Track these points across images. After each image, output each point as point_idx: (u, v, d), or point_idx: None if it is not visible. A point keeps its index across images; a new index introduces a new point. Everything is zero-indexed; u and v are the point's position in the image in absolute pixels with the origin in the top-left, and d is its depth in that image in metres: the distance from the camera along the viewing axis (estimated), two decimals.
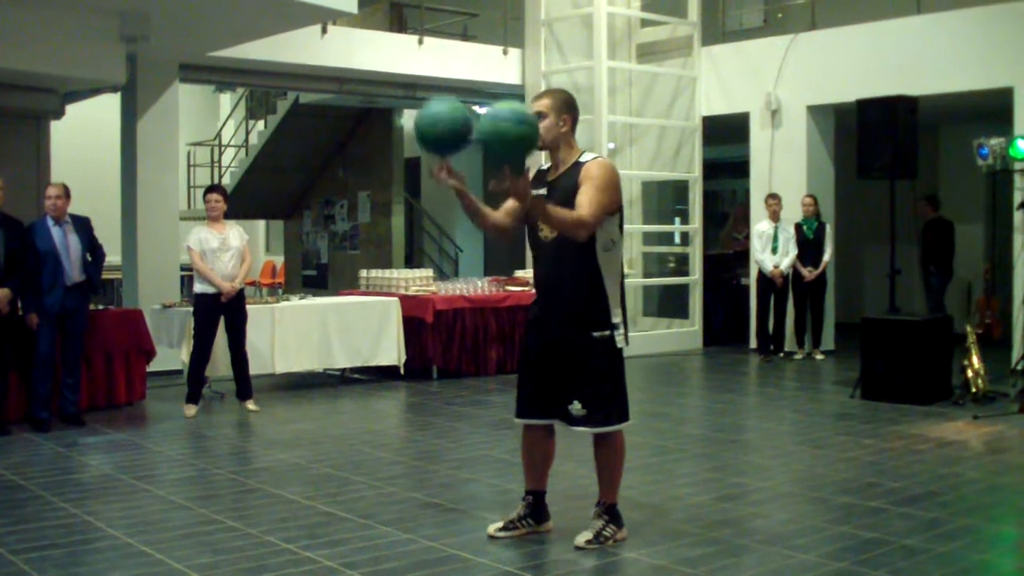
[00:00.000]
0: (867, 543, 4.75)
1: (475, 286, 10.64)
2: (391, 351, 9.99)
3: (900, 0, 11.23)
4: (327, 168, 16.42)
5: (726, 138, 13.26)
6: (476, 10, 14.56)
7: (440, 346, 10.18)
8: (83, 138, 14.53)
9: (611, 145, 12.35)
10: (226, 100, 19.45)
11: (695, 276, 12.87)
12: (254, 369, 8.71)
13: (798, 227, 11.41)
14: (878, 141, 8.90)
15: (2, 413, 7.51)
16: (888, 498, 5.55)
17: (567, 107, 4.70)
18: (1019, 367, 9.18)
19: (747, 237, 12.34)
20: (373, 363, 9.96)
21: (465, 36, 14.41)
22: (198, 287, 8.34)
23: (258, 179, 16.08)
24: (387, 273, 11.01)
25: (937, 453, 6.72)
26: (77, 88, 10.43)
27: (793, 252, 11.37)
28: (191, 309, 8.46)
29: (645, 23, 13.19)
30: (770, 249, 11.42)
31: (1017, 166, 9.95)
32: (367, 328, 9.88)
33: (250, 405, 8.49)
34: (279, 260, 19.02)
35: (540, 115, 4.57)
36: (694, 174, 12.88)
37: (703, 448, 7.08)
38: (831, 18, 11.76)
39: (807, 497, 5.67)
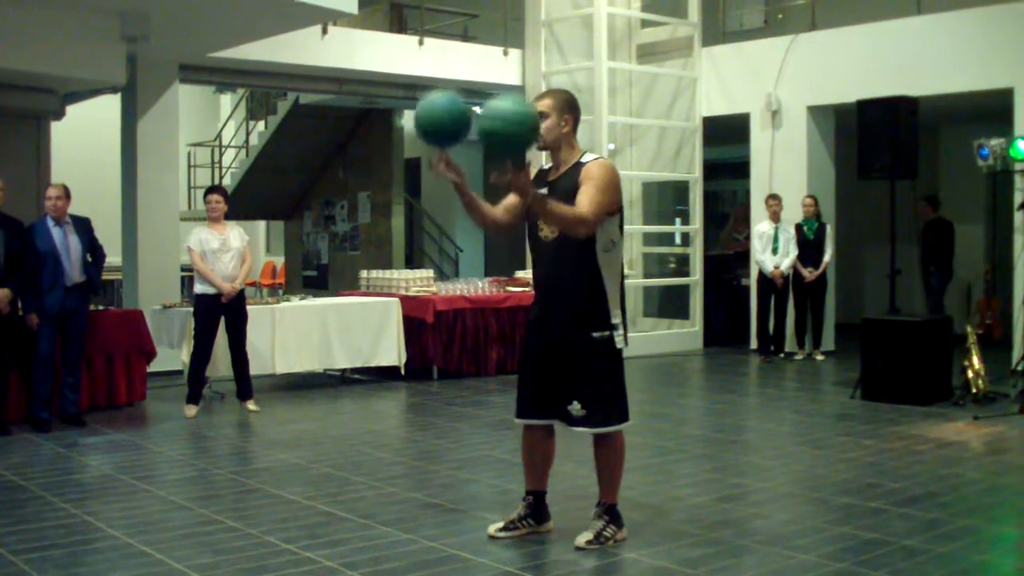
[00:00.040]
0: (867, 544, 4.75)
1: (475, 286, 10.65)
2: (391, 351, 9.99)
3: (900, 1, 11.23)
4: (327, 169, 16.42)
5: (726, 139, 13.26)
6: (476, 11, 14.56)
7: (440, 346, 10.18)
8: (83, 138, 14.53)
9: (611, 146, 12.35)
10: (226, 101, 19.46)
11: (695, 277, 12.88)
12: (254, 369, 8.71)
13: (798, 228, 11.41)
14: (878, 142, 8.90)
15: (2, 413, 7.51)
16: (888, 499, 5.55)
17: (569, 107, 4.69)
18: (1019, 368, 9.18)
19: (747, 238, 12.34)
20: (373, 363, 9.96)
21: (465, 37, 14.41)
22: (198, 288, 8.34)
23: (258, 180, 16.08)
24: (387, 274, 11.02)
25: (937, 454, 6.72)
26: (77, 88, 10.42)
27: (793, 253, 11.37)
28: (191, 310, 8.46)
29: (645, 24, 13.19)
30: (770, 250, 11.42)
31: (1017, 167, 9.95)
32: (367, 328, 9.88)
33: (250, 405, 8.49)
34: (279, 261, 19.03)
35: (542, 115, 4.56)
36: (694, 175, 12.88)
37: (703, 449, 7.08)
38: (831, 19, 11.77)
39: (807, 498, 5.67)
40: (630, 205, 12.53)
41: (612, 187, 4.57)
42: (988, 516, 5.37)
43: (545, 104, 4.64)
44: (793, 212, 11.45)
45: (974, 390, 8.42)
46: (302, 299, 10.18)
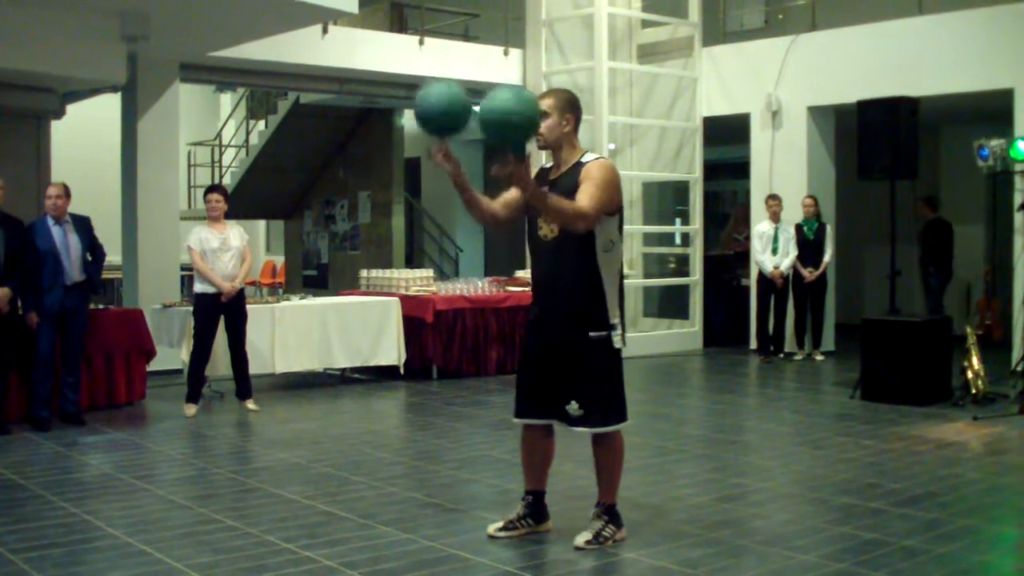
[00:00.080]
0: (867, 544, 4.75)
1: (475, 286, 10.65)
2: (391, 351, 9.99)
3: (901, 1, 11.23)
4: (327, 168, 16.42)
5: (727, 139, 13.26)
6: (477, 10, 14.56)
7: (440, 346, 10.18)
8: (83, 138, 14.53)
9: (612, 146, 12.35)
10: (226, 100, 19.45)
11: (695, 277, 12.88)
12: (254, 369, 8.71)
13: (798, 228, 11.41)
14: (879, 142, 8.90)
15: (2, 412, 7.51)
16: (888, 499, 5.55)
17: (570, 107, 4.69)
18: (1019, 368, 9.18)
19: (747, 238, 12.34)
20: (373, 363, 9.96)
21: (466, 36, 14.41)
22: (198, 287, 8.34)
23: (258, 179, 16.08)
24: (387, 273, 11.02)
25: (937, 454, 6.72)
26: (77, 88, 10.43)
27: (793, 253, 11.37)
28: (191, 309, 8.46)
29: (646, 24, 13.19)
30: (770, 250, 11.42)
31: (1017, 167, 9.94)
32: (367, 328, 9.88)
33: (250, 405, 8.49)
34: (279, 260, 19.03)
35: (543, 114, 4.55)
36: (695, 175, 12.88)
37: (703, 449, 7.07)
38: (832, 19, 11.76)
39: (807, 498, 5.67)
40: (630, 205, 12.53)
41: (612, 186, 4.57)
42: (988, 516, 5.37)
43: (547, 103, 4.63)
44: (793, 212, 11.45)
45: (974, 391, 8.42)
46: (302, 298, 10.18)
